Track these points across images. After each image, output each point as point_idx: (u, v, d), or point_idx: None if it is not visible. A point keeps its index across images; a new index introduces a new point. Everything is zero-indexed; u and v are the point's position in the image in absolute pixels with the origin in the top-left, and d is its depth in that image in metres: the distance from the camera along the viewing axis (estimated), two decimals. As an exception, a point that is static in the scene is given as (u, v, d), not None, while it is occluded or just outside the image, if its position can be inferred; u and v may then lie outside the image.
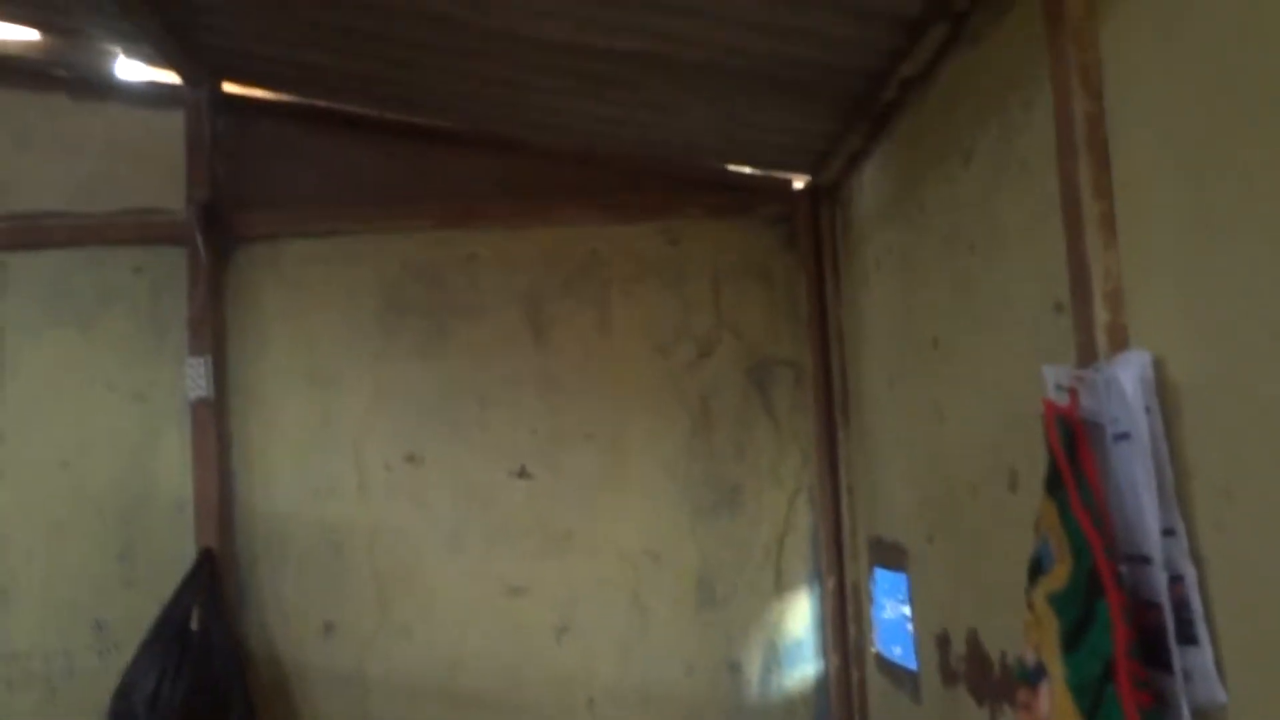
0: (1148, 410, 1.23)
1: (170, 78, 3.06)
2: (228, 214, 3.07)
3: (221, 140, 3.12)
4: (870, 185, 2.69)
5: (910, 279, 2.33)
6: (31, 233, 3.12)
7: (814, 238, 3.16)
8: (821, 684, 3.05)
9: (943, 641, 2.17)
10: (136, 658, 2.76)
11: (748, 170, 3.23)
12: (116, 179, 3.14)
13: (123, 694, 2.72)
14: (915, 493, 2.33)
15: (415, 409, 3.08)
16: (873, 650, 2.87)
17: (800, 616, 3.08)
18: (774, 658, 3.07)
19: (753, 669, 3.06)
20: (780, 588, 3.09)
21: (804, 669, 3.07)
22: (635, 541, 3.08)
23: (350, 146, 3.15)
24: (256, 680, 2.90)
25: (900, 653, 2.69)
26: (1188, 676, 1.17)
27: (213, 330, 3.00)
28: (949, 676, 2.14)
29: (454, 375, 3.09)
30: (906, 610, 2.61)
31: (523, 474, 3.08)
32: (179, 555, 2.94)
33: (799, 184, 3.20)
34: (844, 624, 3.01)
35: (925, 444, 2.22)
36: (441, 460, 3.07)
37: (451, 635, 3.02)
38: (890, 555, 2.60)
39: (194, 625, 2.82)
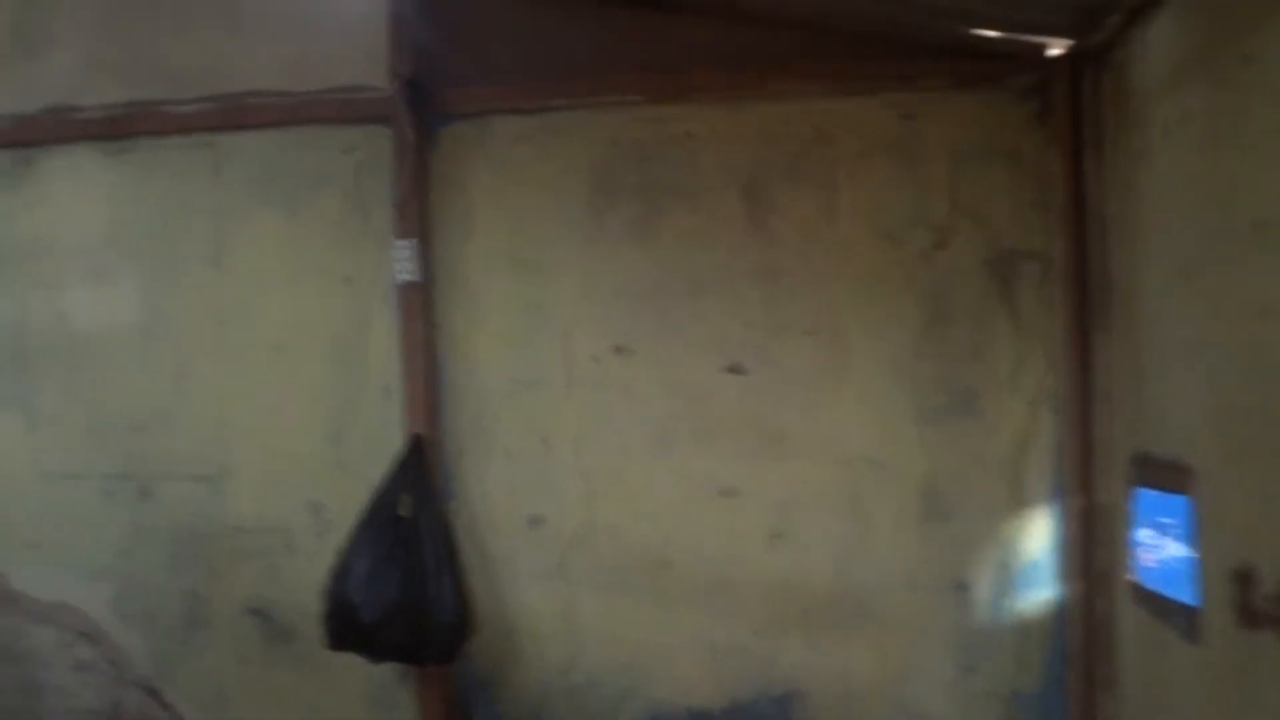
0: None
1: (372, -53, 2.91)
2: (433, 90, 2.93)
3: (426, 13, 2.95)
4: (1161, 42, 2.28)
5: (1222, 150, 1.94)
6: (240, 113, 3.07)
7: (1073, 111, 2.75)
8: (1061, 612, 2.76)
9: (1243, 577, 1.85)
10: (350, 542, 2.75)
11: (995, 34, 2.83)
12: (323, 57, 3.04)
13: (338, 576, 2.73)
14: (1215, 403, 1.99)
15: (625, 297, 2.91)
16: (1127, 579, 2.55)
17: (1038, 536, 2.79)
18: (1006, 579, 2.80)
19: (982, 590, 2.80)
20: (1016, 503, 2.80)
21: (1041, 594, 2.78)
22: (856, 445, 2.84)
23: (558, 17, 2.94)
24: (463, 569, 2.84)
25: (1165, 585, 2.37)
26: None
27: (419, 212, 2.89)
28: (1251, 618, 1.83)
29: (666, 262, 2.89)
30: (1178, 537, 2.29)
31: (737, 369, 2.87)
32: (388, 440, 2.90)
33: (1055, 49, 2.78)
34: (1091, 547, 2.70)
35: (1239, 346, 1.86)
36: (651, 353, 2.90)
37: (659, 535, 2.89)
38: (1164, 474, 2.27)
39: (403, 512, 2.78)
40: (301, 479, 3.02)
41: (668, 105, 2.91)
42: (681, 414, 2.89)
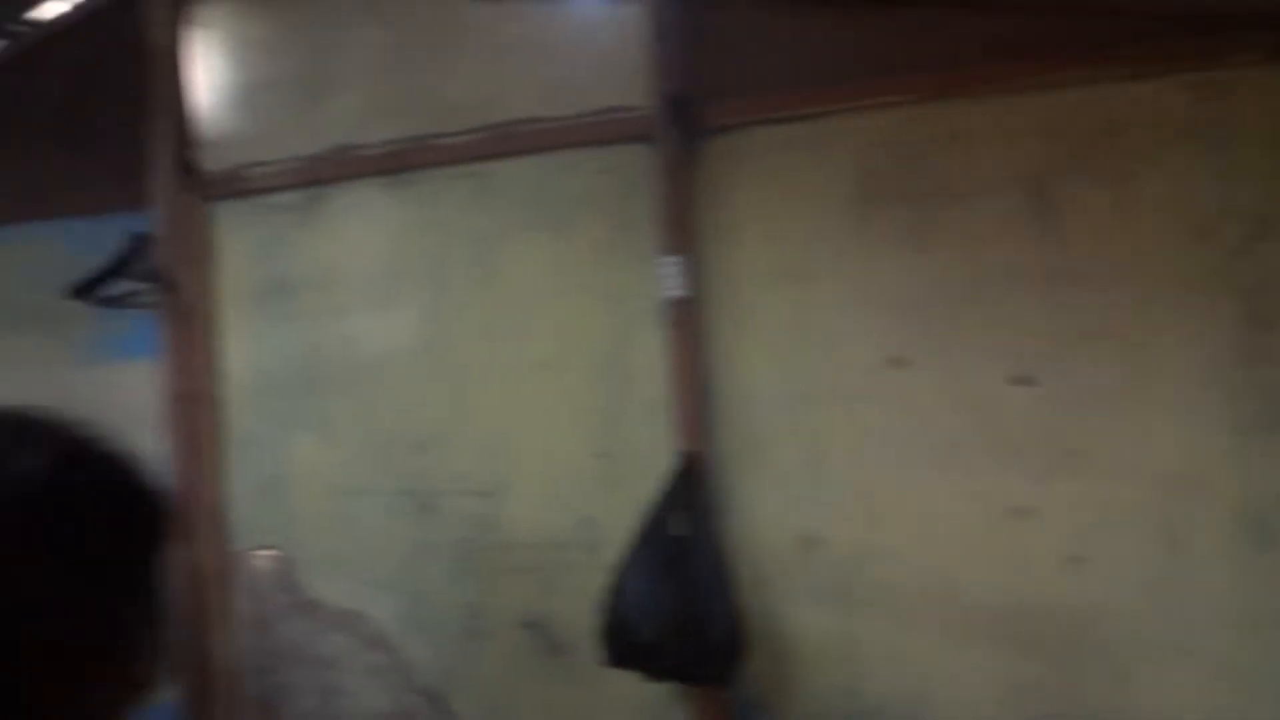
0: None
1: (631, -33, 2.94)
2: (694, 105, 2.91)
3: (685, 29, 2.95)
4: None
5: None
6: (508, 141, 3.17)
7: None
8: None
9: None
10: (624, 560, 2.76)
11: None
12: (582, 80, 3.10)
13: (614, 593, 2.74)
14: None
15: (899, 307, 2.77)
16: None
17: (1395, 565, 2.43)
18: (1357, 614, 2.46)
19: (1326, 626, 2.47)
20: (1364, 528, 2.46)
21: (1401, 631, 2.43)
22: (1165, 462, 2.58)
23: (819, 19, 2.85)
24: (736, 589, 2.79)
25: None
26: None
27: (684, 227, 2.88)
28: None
29: (943, 268, 2.73)
30: None
31: (1025, 381, 2.68)
32: (657, 457, 2.89)
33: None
34: None
35: None
36: (930, 364, 2.74)
37: (944, 557, 2.73)
38: None
39: (675, 530, 2.76)
40: (573, 495, 3.06)
41: (940, 103, 2.76)
42: (965, 429, 2.71)
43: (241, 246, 3.51)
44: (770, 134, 2.89)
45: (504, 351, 3.15)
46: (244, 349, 3.49)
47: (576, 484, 3.06)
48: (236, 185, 3.51)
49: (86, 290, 3.51)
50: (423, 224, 3.26)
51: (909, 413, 2.76)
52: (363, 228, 3.34)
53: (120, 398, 3.57)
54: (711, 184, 2.93)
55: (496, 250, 3.17)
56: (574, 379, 3.06)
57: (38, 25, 3.85)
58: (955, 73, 2.75)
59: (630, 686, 2.88)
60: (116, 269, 3.52)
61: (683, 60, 2.93)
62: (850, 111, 2.83)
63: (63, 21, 3.80)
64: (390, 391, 3.28)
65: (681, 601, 2.68)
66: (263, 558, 3.44)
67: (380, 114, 3.33)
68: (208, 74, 3.58)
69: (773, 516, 2.87)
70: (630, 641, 2.70)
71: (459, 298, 3.21)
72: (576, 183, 3.08)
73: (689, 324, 2.87)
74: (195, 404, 3.48)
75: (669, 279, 2.85)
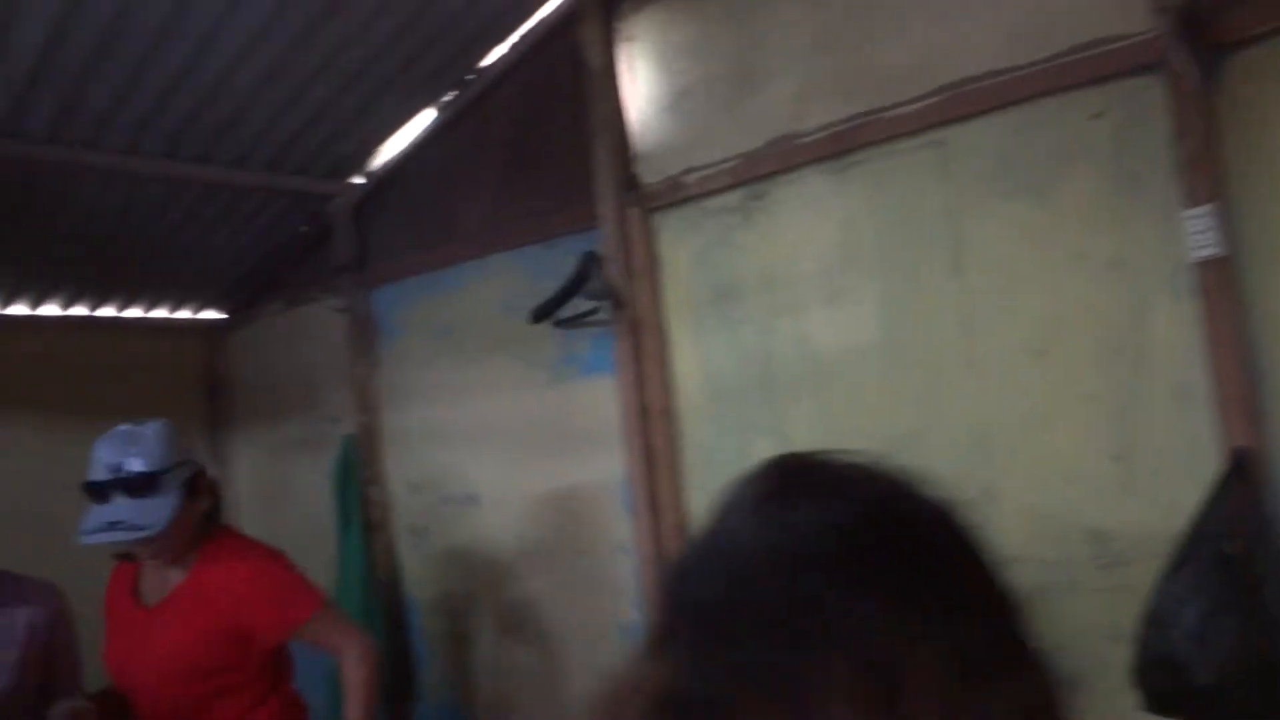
0: None
1: None
2: (1209, 15, 2.35)
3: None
4: None
5: None
6: (963, 102, 2.80)
7: None
8: None
9: None
10: (1164, 583, 2.26)
11: None
12: (1053, 14, 2.65)
13: (1155, 622, 2.25)
14: None
15: None
16: None
17: None
18: None
19: None
20: None
21: None
22: None
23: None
24: (1320, 620, 2.18)
25: None
26: None
27: (1211, 171, 2.32)
28: None
29: None
30: None
31: None
32: (1189, 455, 2.37)
33: None
34: None
35: None
36: None
37: None
38: None
39: (1228, 548, 2.22)
40: (1077, 503, 2.60)
41: None
42: None
43: (684, 255, 3.44)
44: (1322, 34, 2.26)
45: (982, 339, 2.76)
46: (695, 358, 3.41)
47: (1083, 489, 2.59)
48: (675, 194, 3.45)
49: (546, 313, 3.63)
50: (875, 206, 2.97)
51: None
52: (809, 219, 3.12)
53: (585, 414, 3.66)
54: (1242, 112, 2.34)
55: (963, 225, 2.79)
56: (1073, 366, 2.60)
57: (484, 72, 4.08)
58: None
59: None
60: (571, 290, 3.60)
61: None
62: None
63: (503, 63, 4.00)
64: (853, 390, 3.02)
65: (1249, 637, 2.13)
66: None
67: (817, 96, 3.09)
68: (640, 86, 3.57)
69: (1367, 528, 2.23)
70: (1179, 683, 2.20)
71: (924, 283, 2.87)
72: (1057, 136, 2.62)
73: (1227, 289, 2.30)
74: (652, 417, 3.47)
75: (1196, 236, 2.31)
